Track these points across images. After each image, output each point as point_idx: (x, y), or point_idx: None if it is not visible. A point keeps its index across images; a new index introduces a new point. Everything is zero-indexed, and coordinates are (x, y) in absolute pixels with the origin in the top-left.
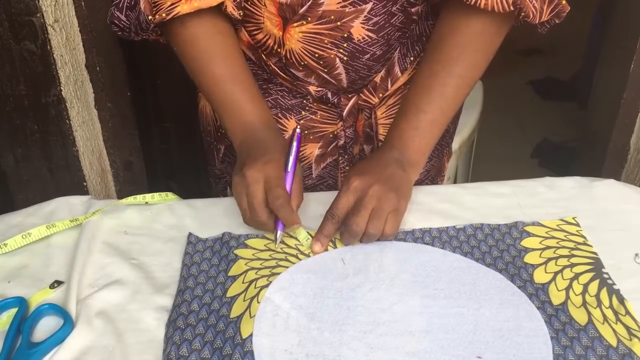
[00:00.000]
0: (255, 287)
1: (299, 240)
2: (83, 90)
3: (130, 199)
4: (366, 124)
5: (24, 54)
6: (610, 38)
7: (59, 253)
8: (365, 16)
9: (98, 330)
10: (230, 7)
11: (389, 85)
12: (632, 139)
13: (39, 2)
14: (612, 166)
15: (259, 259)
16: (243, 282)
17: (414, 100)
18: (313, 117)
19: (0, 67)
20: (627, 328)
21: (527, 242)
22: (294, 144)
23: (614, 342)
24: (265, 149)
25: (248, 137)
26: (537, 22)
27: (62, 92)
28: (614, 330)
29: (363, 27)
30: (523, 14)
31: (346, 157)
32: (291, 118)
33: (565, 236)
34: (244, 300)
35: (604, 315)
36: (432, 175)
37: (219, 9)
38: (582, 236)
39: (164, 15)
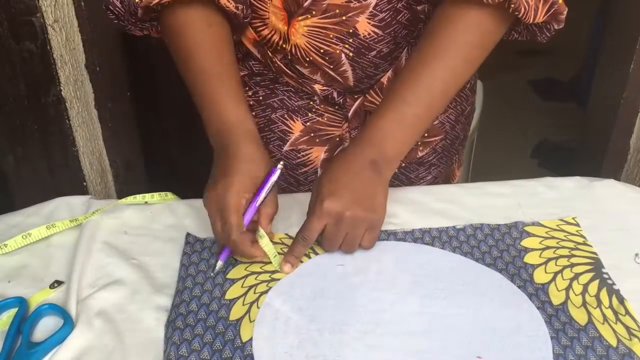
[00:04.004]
0: (254, 293)
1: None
2: (83, 90)
3: (129, 199)
4: None
5: (23, 54)
6: (610, 38)
7: (59, 253)
8: (371, 12)
9: (98, 330)
10: (224, 0)
11: None
12: (632, 139)
13: (39, 2)
14: (612, 166)
15: (259, 262)
16: (242, 287)
17: (399, 91)
18: (320, 119)
19: (0, 67)
20: (627, 328)
21: (527, 242)
22: (272, 178)
23: (614, 342)
24: (228, 165)
25: (222, 140)
26: (531, 20)
27: (62, 92)
28: (613, 330)
29: (369, 23)
30: (513, 6)
31: None
32: (297, 120)
33: (565, 236)
34: (243, 305)
35: (604, 315)
36: (440, 184)
37: (213, 1)
38: (582, 236)
39: None
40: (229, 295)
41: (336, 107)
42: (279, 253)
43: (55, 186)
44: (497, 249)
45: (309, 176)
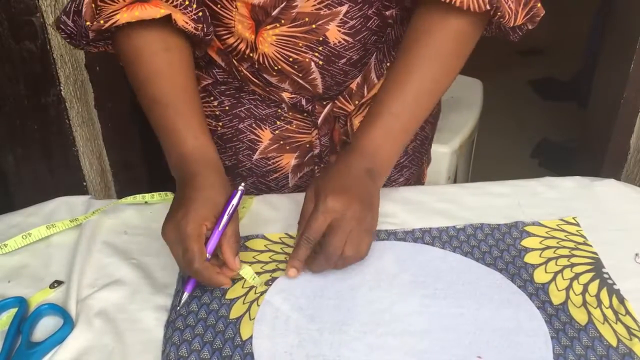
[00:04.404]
0: (255, 293)
1: (247, 280)
2: (83, 90)
3: (129, 199)
4: (342, 131)
5: (23, 54)
6: (610, 38)
7: (59, 253)
8: (341, 19)
9: (98, 330)
10: (182, 22)
11: (365, 92)
12: (632, 139)
13: (38, 2)
14: (612, 166)
15: (259, 261)
16: (243, 287)
17: (387, 103)
18: (288, 126)
19: (0, 67)
20: (627, 328)
21: (527, 242)
22: (233, 201)
23: (614, 342)
24: (187, 196)
25: (182, 172)
26: (511, 24)
27: (62, 92)
28: (614, 330)
29: (339, 31)
30: (499, 13)
31: (322, 166)
32: (266, 128)
33: (565, 236)
34: (244, 303)
35: (604, 315)
36: (412, 184)
37: (172, 23)
38: (582, 236)
39: (102, 22)
40: (230, 294)
41: (305, 114)
42: (278, 252)
43: (55, 186)
44: (497, 248)
45: (280, 181)
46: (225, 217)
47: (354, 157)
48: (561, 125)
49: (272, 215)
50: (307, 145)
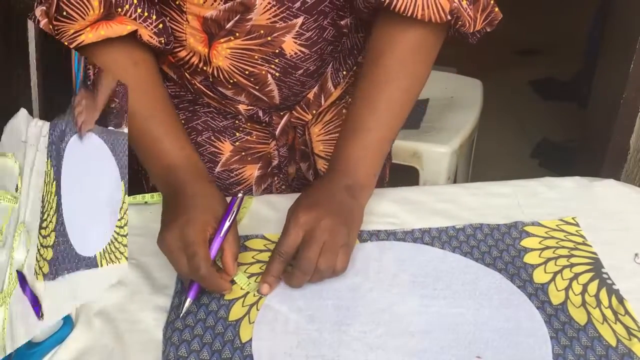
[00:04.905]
0: (254, 296)
1: (242, 288)
2: None
3: (129, 199)
4: (300, 141)
5: None
6: (610, 38)
7: None
8: (297, 31)
9: (98, 330)
10: (147, 36)
11: (323, 101)
12: (632, 139)
13: None
14: (611, 166)
15: (258, 261)
16: (242, 289)
17: (359, 118)
18: (248, 137)
19: None
20: (627, 328)
21: (526, 242)
22: (234, 209)
23: (613, 342)
24: (184, 204)
25: (170, 183)
26: (471, 30)
27: None
28: (613, 330)
29: (295, 42)
30: (460, 22)
31: (281, 176)
32: (225, 140)
33: (564, 236)
34: (243, 306)
35: (604, 315)
36: (377, 185)
37: (135, 37)
38: (582, 236)
39: (66, 44)
40: (228, 295)
41: (263, 124)
42: None
43: None
44: (496, 248)
45: (245, 194)
46: (227, 223)
47: (333, 175)
48: (561, 125)
49: (271, 215)
50: (269, 156)
